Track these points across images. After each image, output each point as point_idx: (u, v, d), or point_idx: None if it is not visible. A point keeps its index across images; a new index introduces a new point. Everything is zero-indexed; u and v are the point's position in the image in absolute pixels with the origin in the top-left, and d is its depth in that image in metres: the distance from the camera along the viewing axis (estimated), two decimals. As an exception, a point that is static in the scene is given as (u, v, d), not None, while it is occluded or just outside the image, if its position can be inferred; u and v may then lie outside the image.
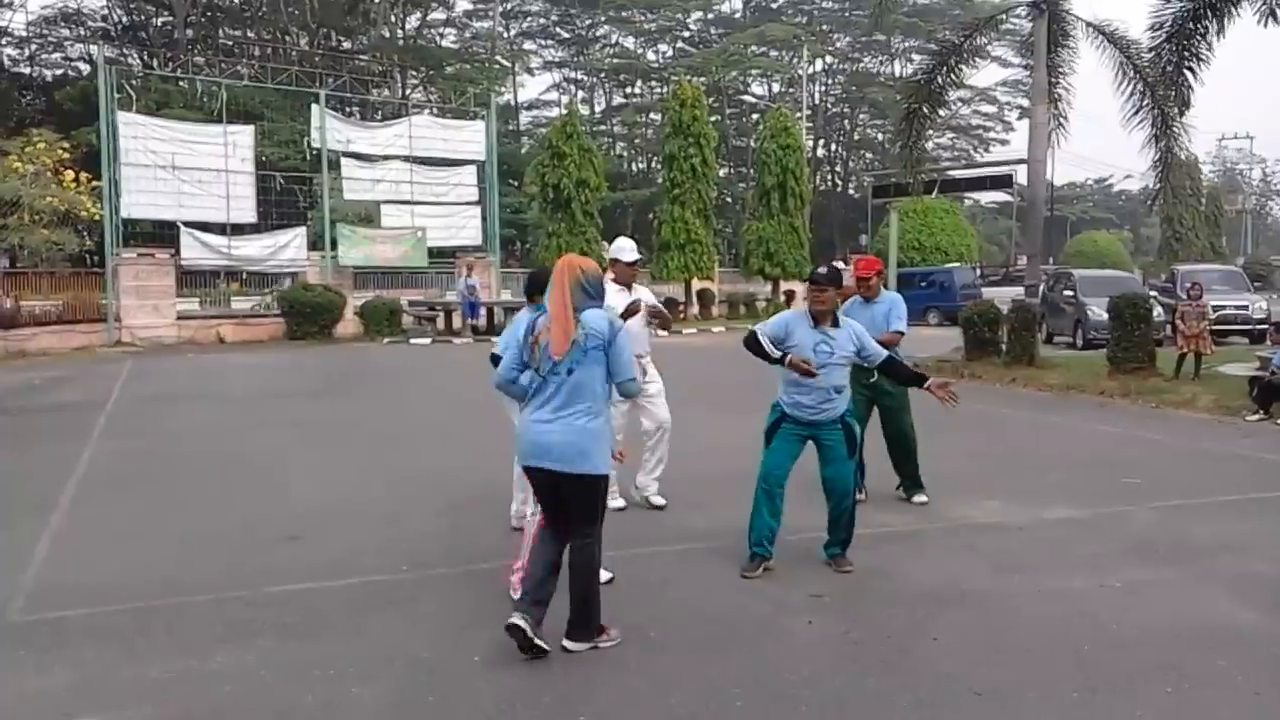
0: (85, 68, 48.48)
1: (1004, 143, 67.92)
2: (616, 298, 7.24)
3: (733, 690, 4.35)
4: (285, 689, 4.42)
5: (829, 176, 70.40)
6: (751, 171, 48.53)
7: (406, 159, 31.11)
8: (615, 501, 7.40)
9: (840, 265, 39.06)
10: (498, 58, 57.85)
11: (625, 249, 7.49)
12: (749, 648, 4.86)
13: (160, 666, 4.69)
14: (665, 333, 7.61)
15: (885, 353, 6.17)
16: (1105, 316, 16.65)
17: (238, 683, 4.49)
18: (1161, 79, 17.21)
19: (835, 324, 6.02)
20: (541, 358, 4.67)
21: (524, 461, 4.83)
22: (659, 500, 7.60)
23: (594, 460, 4.68)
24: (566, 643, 4.73)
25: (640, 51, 65.15)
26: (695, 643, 4.93)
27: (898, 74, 65.66)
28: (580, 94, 65.02)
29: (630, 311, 7.01)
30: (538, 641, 4.61)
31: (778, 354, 5.94)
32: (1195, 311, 15.21)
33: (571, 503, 4.74)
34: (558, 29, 64.73)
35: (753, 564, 6.03)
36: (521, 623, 4.59)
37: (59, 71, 51.53)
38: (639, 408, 7.45)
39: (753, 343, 6.07)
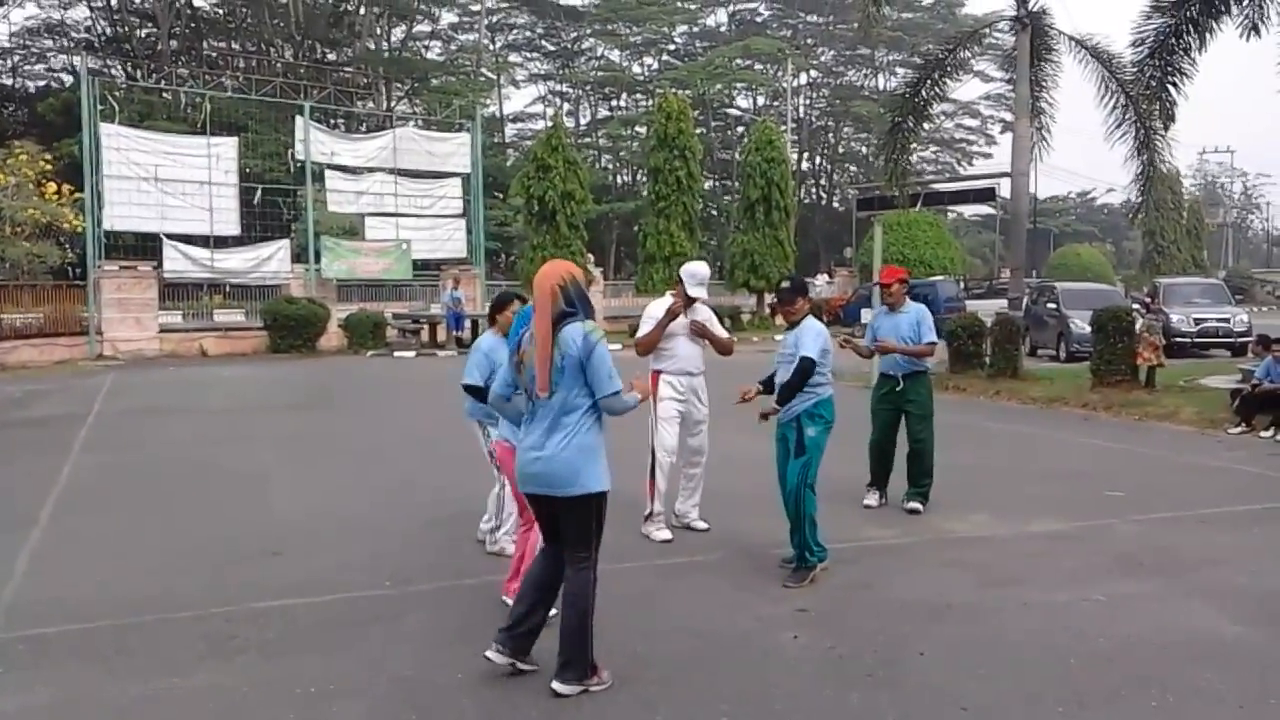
0: (68, 79, 48.33)
1: (987, 156, 68.37)
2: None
3: (719, 705, 4.33)
4: (267, 707, 4.38)
5: (813, 189, 70.60)
6: (736, 184, 48.65)
7: (391, 171, 31.11)
8: (662, 533, 7.08)
9: (825, 278, 38.92)
10: (483, 70, 57.92)
11: (695, 276, 7.00)
12: (735, 663, 4.84)
13: (141, 684, 4.64)
14: (724, 355, 7.36)
15: (805, 354, 6.14)
16: (1088, 329, 16.74)
17: (219, 700, 4.44)
18: (1145, 94, 17.33)
19: (794, 328, 6.37)
20: (527, 381, 4.50)
21: (521, 488, 4.67)
22: (701, 524, 7.29)
23: (585, 479, 4.42)
24: (556, 684, 4.43)
25: (625, 64, 65.31)
26: (681, 658, 4.91)
27: (881, 88, 66.04)
28: (565, 106, 65.09)
29: (671, 313, 6.95)
30: (523, 666, 4.59)
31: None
32: (1149, 322, 15.49)
33: (565, 524, 4.54)
34: (543, 42, 64.81)
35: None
36: (496, 657, 4.54)
37: (41, 83, 51.41)
38: (682, 430, 7.16)
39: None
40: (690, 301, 7.01)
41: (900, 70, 61.38)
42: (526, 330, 4.55)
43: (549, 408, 4.45)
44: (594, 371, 4.41)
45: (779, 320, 39.00)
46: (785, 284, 6.50)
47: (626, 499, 7.38)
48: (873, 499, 8.10)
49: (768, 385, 6.49)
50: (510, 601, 5.11)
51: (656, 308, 7.16)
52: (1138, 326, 15.35)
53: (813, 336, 6.22)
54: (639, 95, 64.21)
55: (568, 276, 4.51)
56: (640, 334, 7.13)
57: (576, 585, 4.51)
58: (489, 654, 4.56)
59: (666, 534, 7.08)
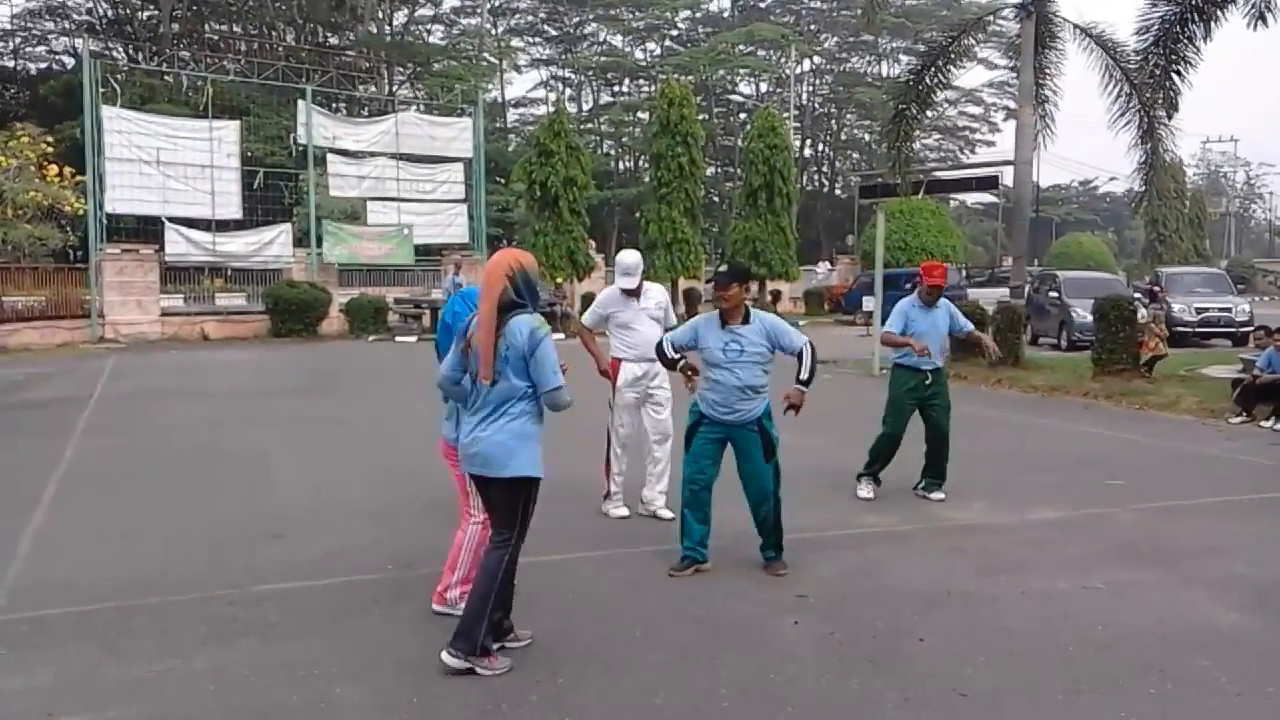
0: (70, 61, 48.22)
1: (990, 144, 68.15)
2: (623, 301, 7.25)
3: (719, 690, 4.35)
4: (269, 689, 4.40)
5: (816, 176, 70.45)
6: (738, 171, 48.52)
7: (393, 156, 31.05)
8: (619, 510, 7.32)
9: (827, 265, 38.72)
10: (485, 55, 57.72)
11: (620, 266, 7.32)
12: (735, 648, 4.86)
13: (143, 666, 4.66)
14: None
15: (802, 343, 6.08)
16: (1090, 318, 16.74)
17: (221, 683, 4.46)
18: (1149, 82, 17.29)
19: (746, 321, 6.01)
20: (472, 365, 4.58)
21: (463, 469, 4.82)
22: (666, 514, 7.28)
23: (518, 463, 4.53)
24: (444, 653, 4.52)
25: (628, 50, 65.05)
26: (681, 643, 4.93)
27: (885, 75, 65.88)
28: (568, 92, 64.94)
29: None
30: (511, 645, 4.72)
31: (674, 356, 6.18)
32: (1154, 311, 15.54)
33: (496, 504, 4.67)
34: (545, 26, 64.60)
35: (682, 565, 6.04)
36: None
37: (43, 65, 51.29)
38: (644, 414, 7.29)
39: (658, 349, 6.29)
40: (635, 294, 7.23)
41: (904, 57, 61.22)
42: (474, 315, 4.61)
43: (492, 395, 4.55)
44: (538, 366, 4.50)
45: (778, 305, 38.77)
46: (724, 268, 6.27)
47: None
48: (870, 491, 7.98)
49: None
50: (441, 610, 5.21)
51: (607, 294, 7.44)
52: (1142, 316, 15.34)
53: (788, 328, 6.15)
54: (641, 81, 64.02)
55: (516, 266, 4.58)
56: (586, 320, 7.49)
57: (490, 562, 4.62)
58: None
59: (624, 510, 7.31)
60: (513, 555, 4.62)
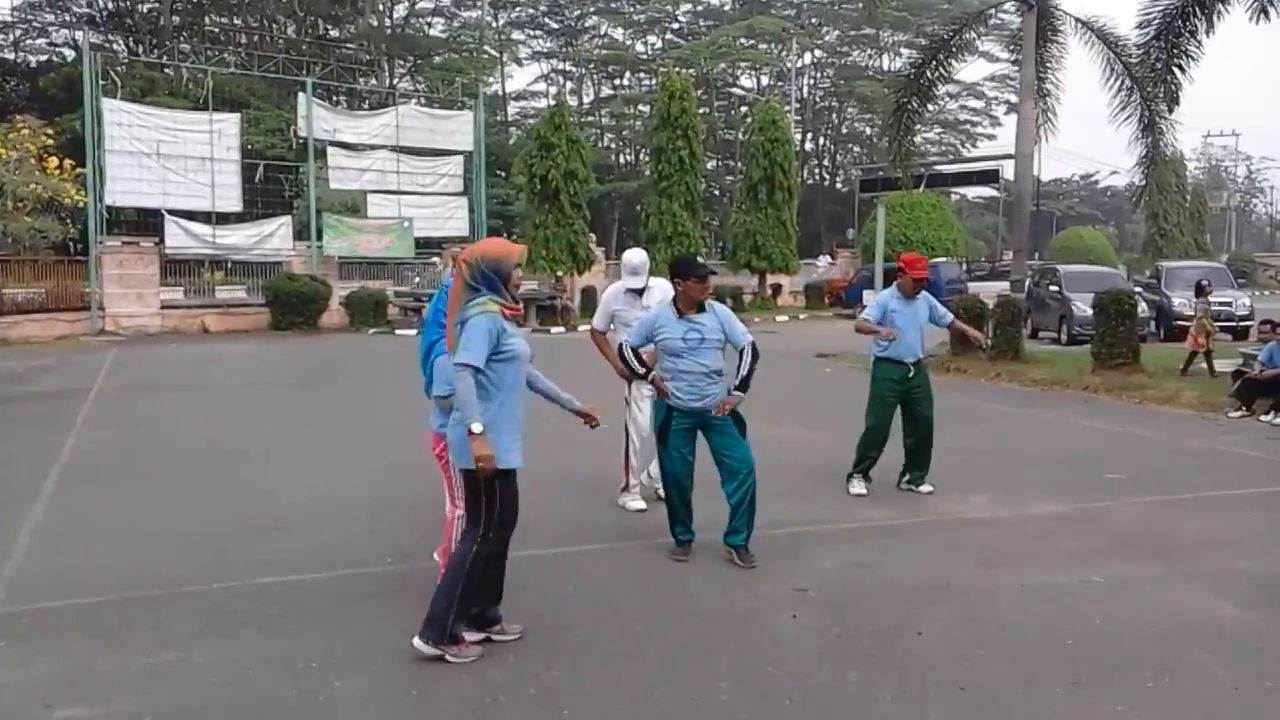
0: (70, 54, 48.09)
1: (991, 138, 68.02)
2: (626, 299, 7.31)
3: (718, 684, 4.35)
4: (268, 681, 4.41)
5: (816, 170, 70.36)
6: (739, 164, 48.50)
7: (393, 149, 31.04)
8: (636, 503, 7.32)
9: (828, 259, 38.69)
10: (486, 48, 57.63)
11: (628, 265, 7.40)
12: (734, 641, 4.86)
13: (142, 658, 4.66)
14: None
15: (747, 341, 6.17)
16: (1090, 312, 16.72)
17: (220, 675, 4.46)
18: (1150, 76, 17.25)
19: (701, 310, 6.17)
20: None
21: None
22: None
23: (463, 454, 4.50)
24: (415, 639, 4.56)
25: (629, 43, 64.98)
26: (680, 636, 4.93)
27: (886, 68, 65.69)
28: (568, 85, 64.85)
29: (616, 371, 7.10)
30: (498, 638, 4.75)
31: (641, 370, 6.36)
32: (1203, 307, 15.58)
33: (465, 494, 4.68)
34: (546, 19, 64.48)
35: (682, 548, 6.23)
36: (471, 637, 4.71)
37: (43, 57, 51.13)
38: (633, 409, 7.34)
39: (622, 357, 6.47)
40: (640, 294, 7.28)
41: (905, 51, 60.86)
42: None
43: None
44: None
45: (778, 299, 38.71)
46: (700, 260, 6.45)
47: (615, 480, 7.43)
48: (862, 487, 7.88)
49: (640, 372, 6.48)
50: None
51: (612, 292, 7.50)
52: (1196, 312, 15.39)
53: (739, 322, 6.27)
54: (642, 74, 63.89)
55: (471, 256, 4.65)
56: (596, 324, 7.52)
57: (458, 553, 4.65)
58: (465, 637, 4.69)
59: (640, 504, 7.31)
60: (479, 550, 4.56)
